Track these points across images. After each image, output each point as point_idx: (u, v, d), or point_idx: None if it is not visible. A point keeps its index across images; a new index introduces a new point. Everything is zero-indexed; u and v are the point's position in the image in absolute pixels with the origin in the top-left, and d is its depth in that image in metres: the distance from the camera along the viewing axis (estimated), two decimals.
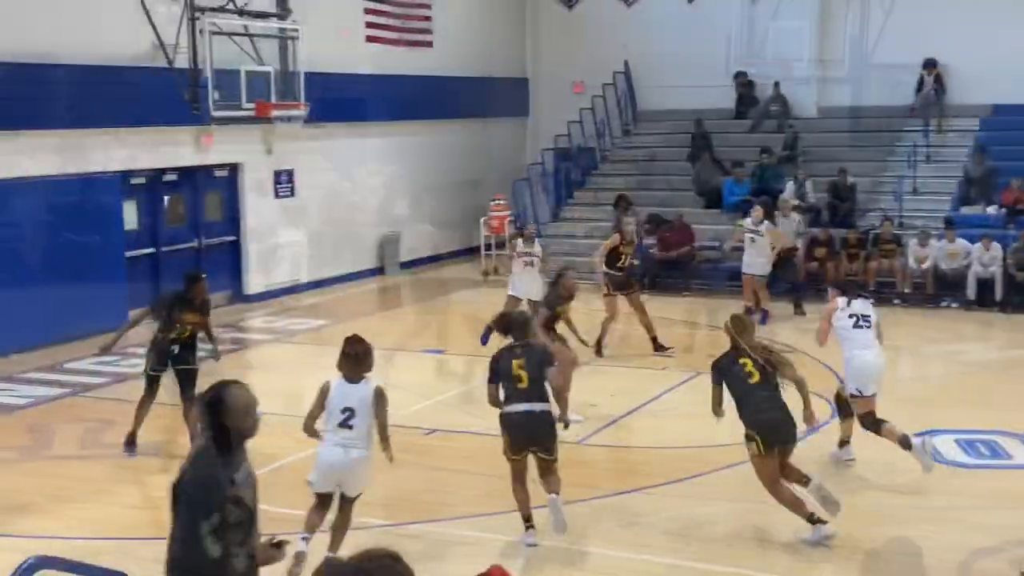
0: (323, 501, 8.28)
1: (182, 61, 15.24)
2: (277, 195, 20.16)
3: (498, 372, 8.79)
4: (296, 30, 16.04)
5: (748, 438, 8.81)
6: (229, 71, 15.18)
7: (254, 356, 16.34)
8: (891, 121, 23.29)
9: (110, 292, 16.90)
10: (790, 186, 21.28)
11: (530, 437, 8.71)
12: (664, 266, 20.68)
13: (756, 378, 8.82)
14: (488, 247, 23.17)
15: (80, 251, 16.41)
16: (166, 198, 18.49)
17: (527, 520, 8.84)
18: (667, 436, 11.65)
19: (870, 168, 22.23)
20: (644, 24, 25.69)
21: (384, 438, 8.08)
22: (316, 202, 20.79)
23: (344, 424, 7.97)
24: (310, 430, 8.17)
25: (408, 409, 12.72)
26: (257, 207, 19.69)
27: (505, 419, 8.75)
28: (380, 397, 8.00)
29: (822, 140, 23.34)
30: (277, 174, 20.27)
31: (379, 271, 22.67)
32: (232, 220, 19.59)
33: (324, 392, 8.08)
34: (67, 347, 15.82)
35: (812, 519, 8.72)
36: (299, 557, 7.90)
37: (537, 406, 8.68)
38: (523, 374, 8.64)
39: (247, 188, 19.66)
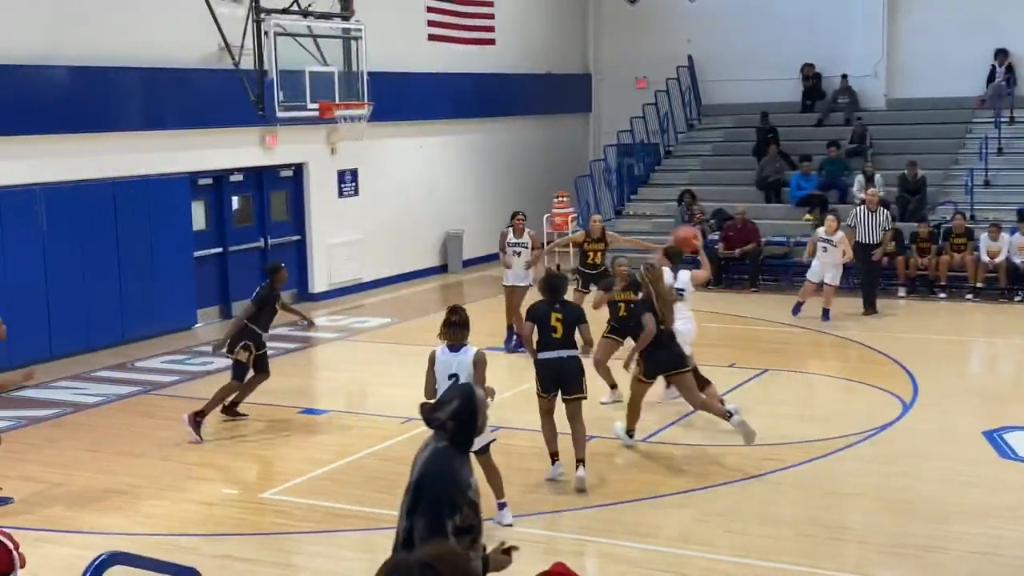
0: None
1: (247, 63, 15.40)
2: (341, 194, 20.32)
3: (535, 318, 9.94)
4: (359, 30, 16.12)
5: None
6: (293, 71, 15.31)
7: (319, 354, 16.48)
8: (961, 113, 22.94)
9: (179, 292, 17.18)
10: (859, 180, 21.04)
11: (559, 379, 9.85)
12: (729, 262, 20.51)
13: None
14: (551, 244, 23.14)
15: (149, 251, 16.66)
16: (234, 198, 18.72)
17: (554, 456, 10.08)
18: (734, 433, 11.56)
19: (940, 161, 21.91)
20: (707, 18, 25.53)
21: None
22: (380, 201, 20.94)
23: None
24: (430, 396, 8.56)
25: None
26: (321, 206, 19.85)
27: (539, 364, 9.91)
28: (480, 362, 8.72)
29: (891, 133, 23.05)
30: (341, 173, 20.42)
31: (443, 269, 22.77)
32: (297, 219, 19.78)
33: (432, 360, 8.79)
34: (137, 346, 16.09)
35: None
36: None
37: (566, 352, 9.84)
38: (559, 326, 9.82)
39: (312, 188, 19.84)
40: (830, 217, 17.82)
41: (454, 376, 8.57)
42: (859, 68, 24.25)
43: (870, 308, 17.58)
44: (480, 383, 8.36)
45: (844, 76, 23.99)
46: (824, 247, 17.21)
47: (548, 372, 9.81)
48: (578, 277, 15.29)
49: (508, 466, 10.85)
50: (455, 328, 8.73)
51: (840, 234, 17.26)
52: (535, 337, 9.93)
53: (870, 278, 17.87)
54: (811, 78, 24.41)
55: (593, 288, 14.93)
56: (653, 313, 10.68)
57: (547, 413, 9.97)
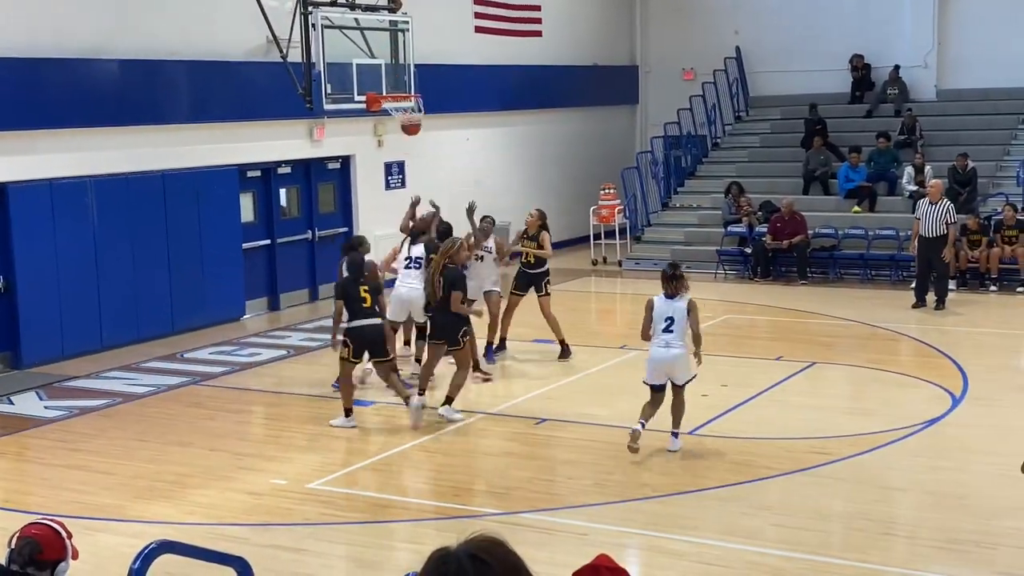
0: (657, 394, 10.47)
1: (295, 55, 15.44)
2: (388, 186, 20.35)
3: (345, 294, 11.57)
4: (406, 22, 16.12)
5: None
6: (341, 64, 15.33)
7: None
8: (1013, 104, 22.60)
9: (227, 283, 17.28)
10: (908, 171, 20.80)
11: (370, 345, 11.52)
12: (777, 254, 20.31)
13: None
14: (597, 236, 23.09)
15: (198, 243, 16.77)
16: (282, 190, 18.80)
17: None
18: (781, 426, 11.48)
19: (992, 152, 21.61)
20: (755, 9, 25.33)
21: (697, 342, 10.44)
22: (427, 193, 20.88)
23: (666, 330, 10.26)
24: (646, 336, 10.43)
25: (518, 399, 12.77)
26: (368, 199, 19.90)
27: (351, 332, 11.48)
28: (693, 309, 10.36)
29: (941, 124, 22.75)
30: (388, 166, 20.46)
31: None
32: (344, 212, 19.84)
33: (649, 307, 10.41)
34: (186, 337, 16.21)
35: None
36: (634, 435, 10.21)
37: (372, 320, 11.50)
38: (367, 297, 11.49)
39: (359, 180, 19.89)
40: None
41: (669, 319, 10.23)
42: (909, 59, 23.95)
43: (940, 304, 17.12)
44: (695, 328, 10.32)
45: (896, 67, 23.70)
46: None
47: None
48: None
49: (552, 458, 10.85)
50: (673, 280, 10.29)
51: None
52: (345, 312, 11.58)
53: (941, 274, 17.40)
54: (860, 69, 24.16)
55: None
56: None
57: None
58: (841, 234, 20.43)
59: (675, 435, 10.56)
